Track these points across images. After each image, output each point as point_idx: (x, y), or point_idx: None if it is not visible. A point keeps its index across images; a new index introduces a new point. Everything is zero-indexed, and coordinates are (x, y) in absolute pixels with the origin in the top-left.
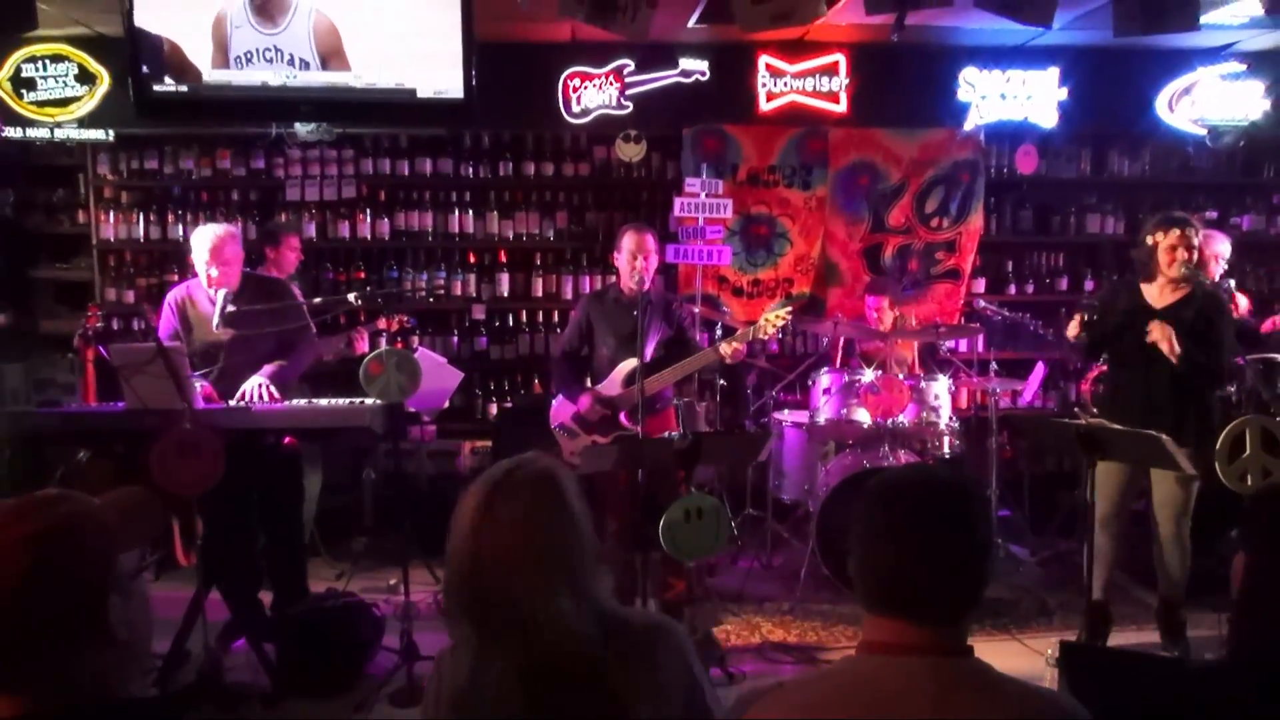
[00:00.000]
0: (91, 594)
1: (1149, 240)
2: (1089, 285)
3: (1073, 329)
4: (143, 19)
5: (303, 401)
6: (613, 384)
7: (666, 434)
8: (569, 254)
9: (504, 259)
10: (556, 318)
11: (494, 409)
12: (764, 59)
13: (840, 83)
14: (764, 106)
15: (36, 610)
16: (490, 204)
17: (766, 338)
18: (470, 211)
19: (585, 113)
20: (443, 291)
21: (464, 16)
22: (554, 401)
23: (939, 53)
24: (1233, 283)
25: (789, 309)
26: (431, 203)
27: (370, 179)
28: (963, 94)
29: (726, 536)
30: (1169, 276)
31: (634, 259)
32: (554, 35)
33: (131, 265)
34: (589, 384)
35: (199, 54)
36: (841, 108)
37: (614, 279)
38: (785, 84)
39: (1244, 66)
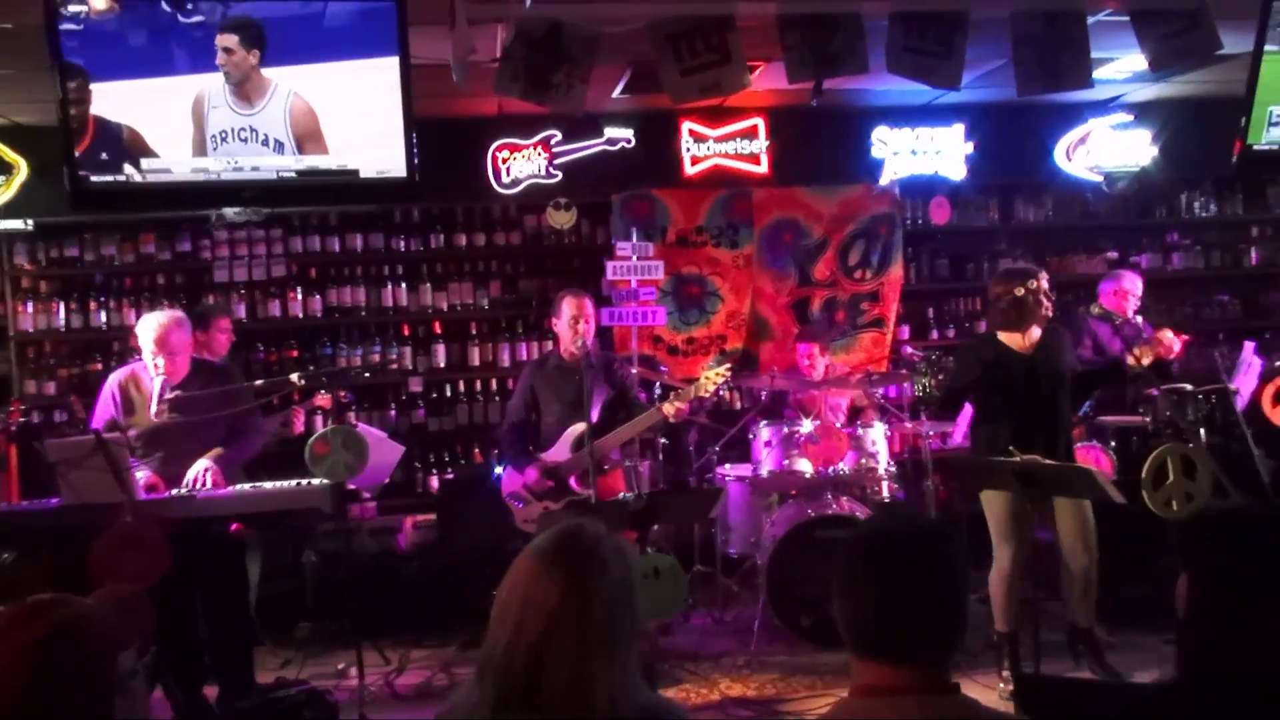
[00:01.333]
0: (96, 697)
1: (1017, 291)
2: None
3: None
4: (101, 107)
5: (246, 486)
6: (561, 449)
7: (621, 495)
8: (504, 322)
9: (439, 330)
10: (495, 386)
11: (435, 481)
12: (687, 125)
13: (760, 145)
14: (689, 170)
15: (43, 716)
16: (423, 276)
17: (707, 395)
18: (403, 285)
19: (515, 183)
20: (394, 365)
21: (404, 97)
22: (504, 472)
23: (852, 113)
24: (1140, 319)
25: (728, 366)
26: (364, 278)
27: (300, 257)
28: (876, 151)
29: (684, 594)
30: (1041, 319)
31: (575, 323)
32: (481, 110)
33: (52, 356)
34: (538, 450)
35: (166, 138)
36: (763, 169)
37: (552, 345)
38: (708, 148)
39: (1132, 117)
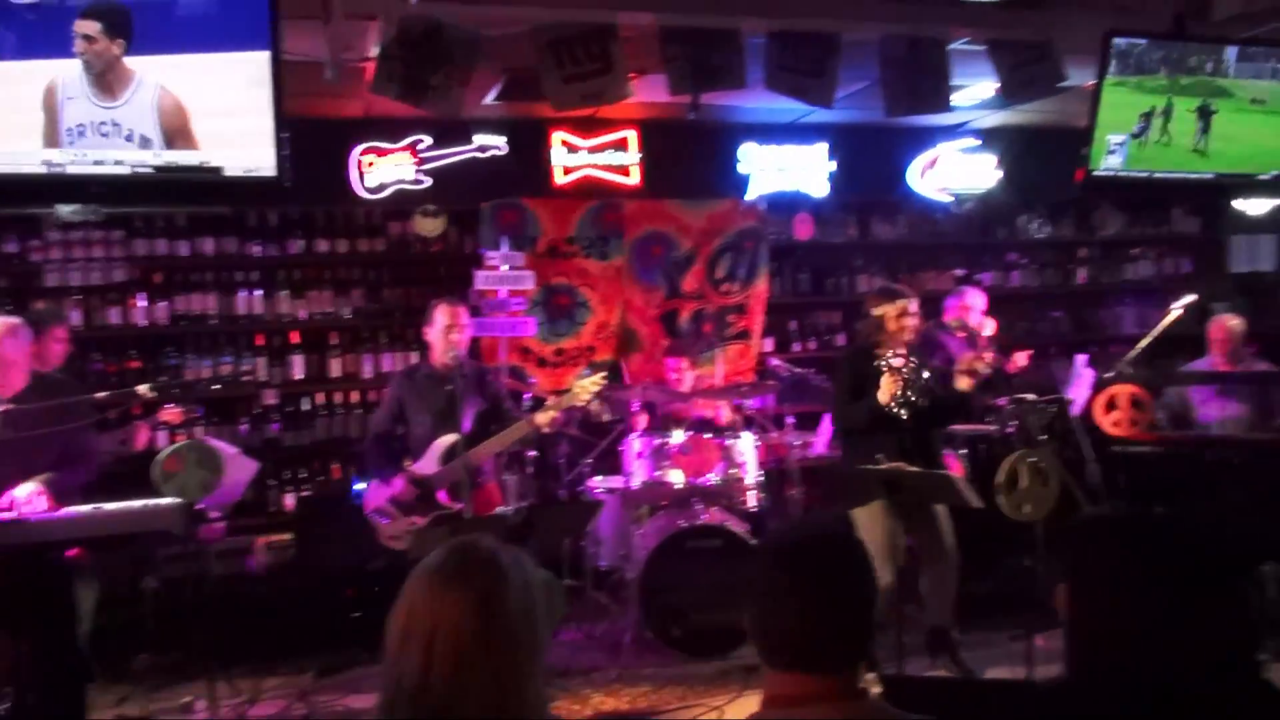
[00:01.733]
0: None
1: (875, 311)
2: None
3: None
4: None
5: (86, 508)
6: (429, 462)
7: (499, 509)
8: (366, 332)
9: (297, 340)
10: (356, 399)
11: (290, 499)
12: (558, 135)
13: (631, 157)
14: (560, 180)
15: None
16: (280, 283)
17: (582, 403)
18: (258, 291)
19: (381, 188)
20: (247, 377)
21: (275, 92)
22: (368, 486)
23: (720, 129)
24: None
25: (602, 375)
26: (215, 284)
27: (144, 260)
28: (743, 167)
29: (563, 609)
30: (894, 343)
31: (449, 332)
32: (346, 111)
33: None
34: (406, 463)
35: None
36: (634, 180)
37: (418, 356)
38: (579, 158)
39: (978, 142)
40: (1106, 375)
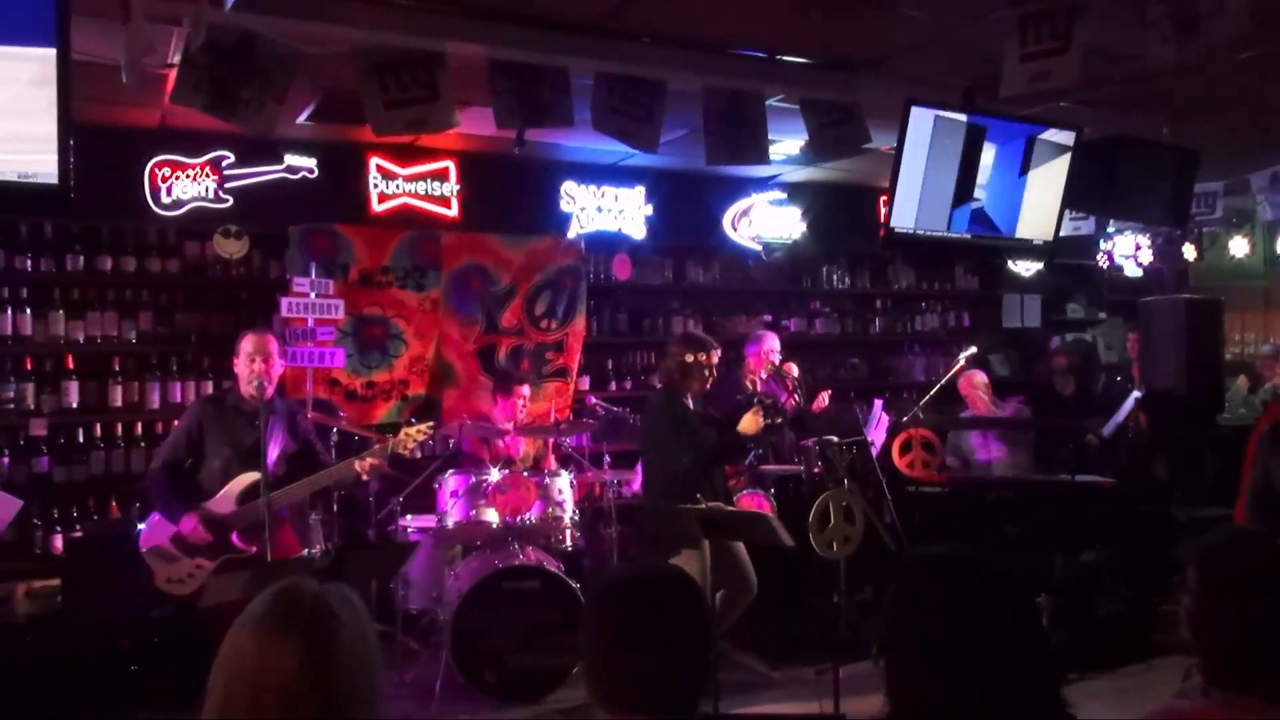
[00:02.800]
0: None
1: (687, 358)
2: None
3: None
4: None
5: None
6: (225, 501)
7: (305, 552)
8: (155, 359)
9: (72, 365)
10: (140, 430)
11: (60, 541)
12: (375, 160)
13: (451, 188)
14: (376, 207)
15: None
16: (55, 302)
17: (407, 452)
18: (27, 310)
19: (177, 205)
20: (10, 405)
21: (60, 93)
22: (149, 521)
23: (542, 165)
24: (795, 368)
25: (430, 424)
26: None
27: None
28: (565, 205)
29: None
30: (698, 390)
31: (251, 361)
32: (140, 120)
33: None
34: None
35: None
36: (453, 212)
37: (213, 385)
38: (397, 186)
39: (785, 195)
40: (903, 420)
